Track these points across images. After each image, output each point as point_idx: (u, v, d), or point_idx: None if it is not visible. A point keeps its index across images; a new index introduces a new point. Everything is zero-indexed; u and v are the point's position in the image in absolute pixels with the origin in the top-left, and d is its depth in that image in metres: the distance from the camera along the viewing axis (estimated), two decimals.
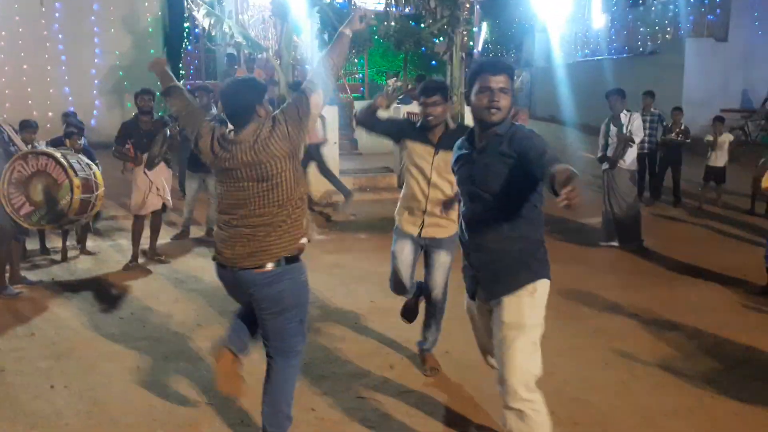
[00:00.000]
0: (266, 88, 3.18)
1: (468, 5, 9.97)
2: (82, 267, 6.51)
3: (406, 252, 3.92)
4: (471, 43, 11.47)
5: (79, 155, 5.95)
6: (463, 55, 9.97)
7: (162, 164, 6.35)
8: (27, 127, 6.11)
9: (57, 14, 14.71)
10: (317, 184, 9.33)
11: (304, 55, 10.14)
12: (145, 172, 6.25)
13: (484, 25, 13.10)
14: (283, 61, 8.93)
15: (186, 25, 13.50)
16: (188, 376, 4.08)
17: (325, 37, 9.45)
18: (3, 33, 14.24)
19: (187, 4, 8.68)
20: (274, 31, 9.61)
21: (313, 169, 8.40)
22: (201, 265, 6.35)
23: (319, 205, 9.22)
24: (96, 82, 15.24)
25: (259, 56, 9.96)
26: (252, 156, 2.85)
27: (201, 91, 7.92)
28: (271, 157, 2.85)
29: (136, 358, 4.38)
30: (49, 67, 14.68)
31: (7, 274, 5.67)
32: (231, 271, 2.98)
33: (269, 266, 2.92)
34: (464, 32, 9.91)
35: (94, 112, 15.09)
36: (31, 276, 6.05)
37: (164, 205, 6.56)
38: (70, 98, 14.83)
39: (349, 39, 3.15)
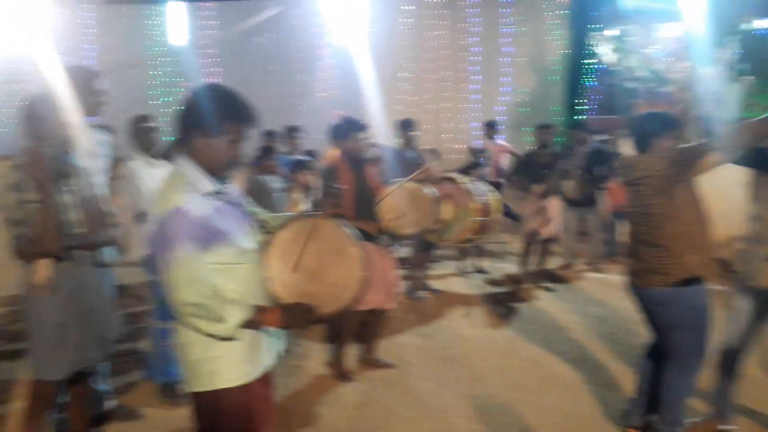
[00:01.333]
0: (671, 123, 3.36)
1: None
2: (475, 283, 7.14)
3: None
4: None
5: (479, 183, 6.58)
6: None
7: (556, 196, 6.63)
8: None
9: (475, 57, 16.48)
10: None
11: (714, 87, 9.36)
12: (538, 202, 6.61)
13: None
14: (691, 95, 8.41)
15: (589, 61, 13.71)
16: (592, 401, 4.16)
17: (746, 69, 8.54)
18: (435, 75, 16.48)
19: (592, 40, 8.81)
20: (682, 63, 9.10)
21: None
22: (592, 296, 6.44)
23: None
24: (499, 118, 16.59)
25: (665, 90, 9.55)
26: (639, 180, 3.27)
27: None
28: (648, 187, 3.21)
29: (520, 375, 4.62)
30: (463, 105, 16.56)
31: (416, 280, 6.60)
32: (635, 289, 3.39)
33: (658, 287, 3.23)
34: None
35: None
36: (434, 285, 6.85)
37: (553, 235, 6.82)
38: (474, 132, 16.45)
39: None
